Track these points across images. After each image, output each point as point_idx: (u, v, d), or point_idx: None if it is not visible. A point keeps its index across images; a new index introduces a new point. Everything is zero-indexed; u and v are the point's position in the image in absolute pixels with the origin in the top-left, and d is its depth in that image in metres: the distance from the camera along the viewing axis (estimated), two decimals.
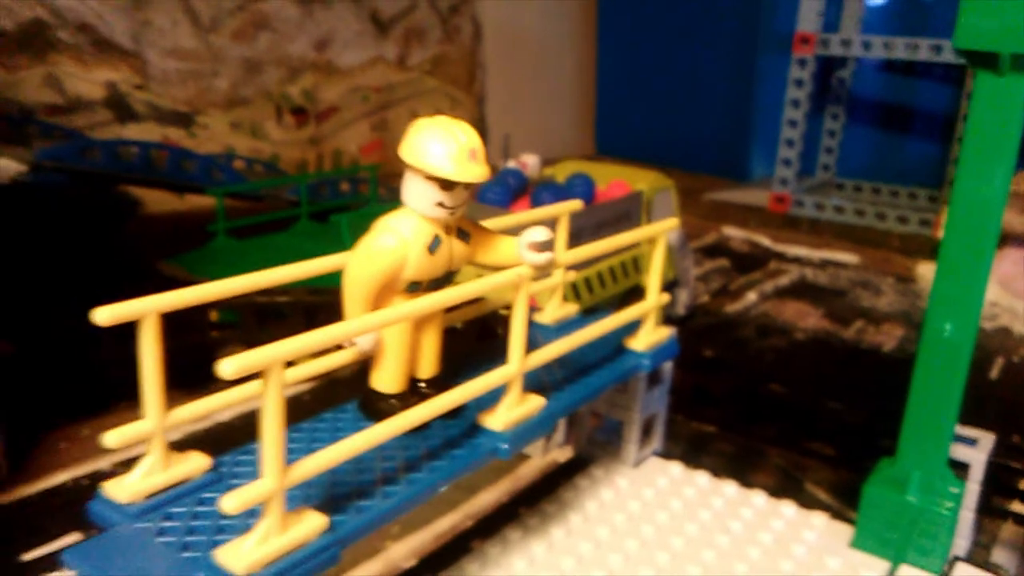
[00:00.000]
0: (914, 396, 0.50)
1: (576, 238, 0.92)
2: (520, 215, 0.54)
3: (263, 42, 1.75)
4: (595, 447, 0.63)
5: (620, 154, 2.51)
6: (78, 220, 1.03)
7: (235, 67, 1.72)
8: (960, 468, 0.65)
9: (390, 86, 2.02)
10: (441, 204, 0.39)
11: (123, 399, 0.85)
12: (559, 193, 0.98)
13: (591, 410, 0.64)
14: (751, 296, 1.32)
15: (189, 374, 0.58)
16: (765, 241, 1.61)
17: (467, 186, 0.40)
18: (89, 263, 1.00)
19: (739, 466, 0.82)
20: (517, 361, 0.43)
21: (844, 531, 0.54)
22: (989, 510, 0.73)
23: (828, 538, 0.54)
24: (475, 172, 0.39)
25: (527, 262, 0.42)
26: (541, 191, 0.98)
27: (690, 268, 1.19)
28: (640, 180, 1.10)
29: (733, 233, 1.66)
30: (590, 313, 0.61)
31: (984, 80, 0.45)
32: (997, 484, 0.75)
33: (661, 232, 0.54)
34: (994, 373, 1.07)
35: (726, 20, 2.20)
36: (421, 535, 0.69)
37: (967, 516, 0.65)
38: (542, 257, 0.42)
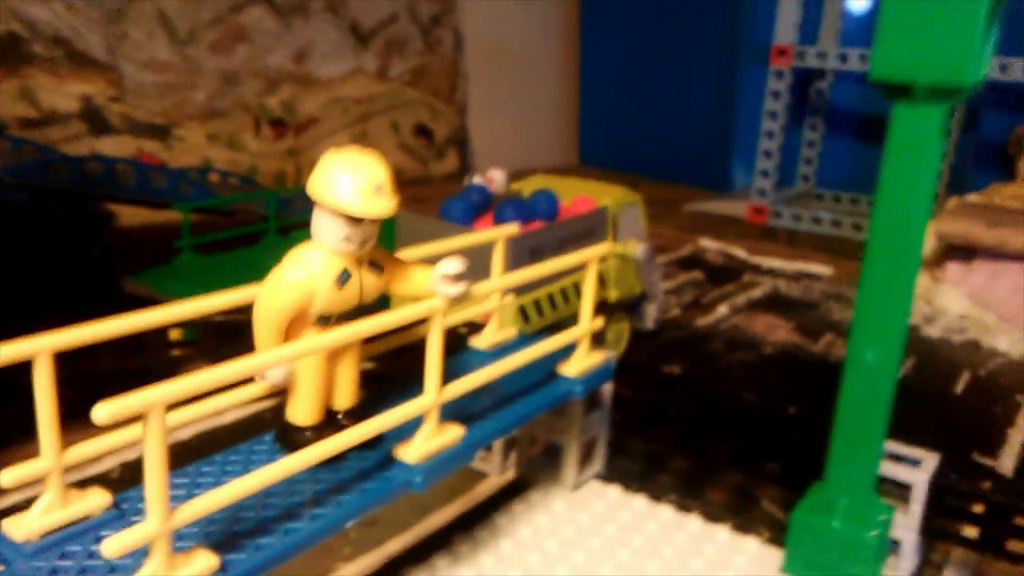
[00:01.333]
0: (839, 423, 0.51)
1: (538, 255, 0.92)
2: (456, 239, 0.54)
3: (241, 54, 1.76)
4: (536, 470, 0.63)
5: (603, 164, 2.52)
6: (41, 237, 1.03)
7: (212, 79, 1.72)
8: (905, 489, 0.65)
9: (370, 97, 2.02)
10: (349, 238, 0.39)
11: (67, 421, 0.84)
12: (522, 209, 0.98)
13: (530, 434, 0.64)
14: (722, 309, 1.32)
15: None
16: (741, 253, 1.61)
17: (375, 220, 0.40)
18: (53, 281, 1.00)
19: (696, 483, 0.81)
20: (432, 393, 0.43)
21: (776, 556, 0.54)
22: (942, 532, 0.73)
23: (759, 563, 0.54)
24: (381, 207, 0.39)
25: (440, 294, 0.42)
26: (504, 207, 0.98)
27: (658, 282, 1.19)
28: (606, 195, 1.10)
29: (709, 245, 1.66)
30: (530, 337, 0.61)
31: (900, 111, 0.45)
32: (949, 505, 0.75)
33: (592, 258, 0.54)
34: (959, 387, 1.07)
35: (707, 31, 2.20)
36: (371, 557, 0.69)
37: (910, 538, 0.65)
38: (455, 289, 0.42)
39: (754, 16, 2.12)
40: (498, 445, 0.70)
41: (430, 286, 0.43)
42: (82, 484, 0.39)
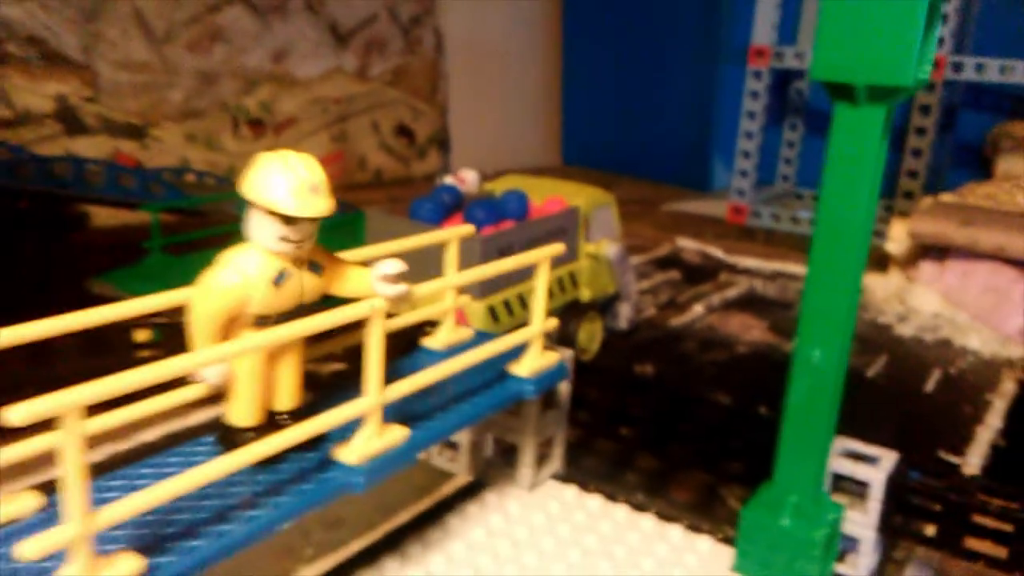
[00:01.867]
0: (787, 422, 0.51)
1: (508, 255, 0.92)
2: (405, 240, 0.54)
3: (219, 54, 1.75)
4: (494, 470, 0.63)
5: (586, 164, 2.52)
6: (9, 237, 1.02)
7: (190, 79, 1.72)
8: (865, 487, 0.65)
9: (350, 97, 2.01)
10: (285, 239, 0.39)
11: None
12: (492, 210, 0.98)
13: (487, 434, 0.64)
14: (698, 309, 1.33)
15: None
16: (718, 253, 1.62)
17: (312, 220, 0.40)
18: (17, 281, 0.99)
19: (662, 483, 0.82)
20: (374, 394, 0.43)
21: (728, 555, 0.54)
22: (902, 530, 0.73)
23: (710, 562, 0.54)
24: (317, 207, 0.39)
25: (380, 294, 0.42)
26: (474, 208, 0.98)
27: (632, 282, 1.19)
28: (578, 196, 1.10)
29: (687, 244, 1.66)
30: (486, 337, 0.61)
31: (842, 110, 0.45)
32: (910, 503, 0.75)
33: (544, 258, 0.54)
34: (930, 386, 1.08)
35: (688, 32, 2.21)
36: (334, 558, 0.68)
37: (868, 536, 0.65)
38: (394, 289, 0.42)
39: (734, 17, 2.13)
40: (465, 445, 0.70)
41: (370, 286, 0.43)
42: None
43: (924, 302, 1.32)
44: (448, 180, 1.06)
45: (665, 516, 0.58)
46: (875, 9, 0.42)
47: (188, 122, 1.72)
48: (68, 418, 0.30)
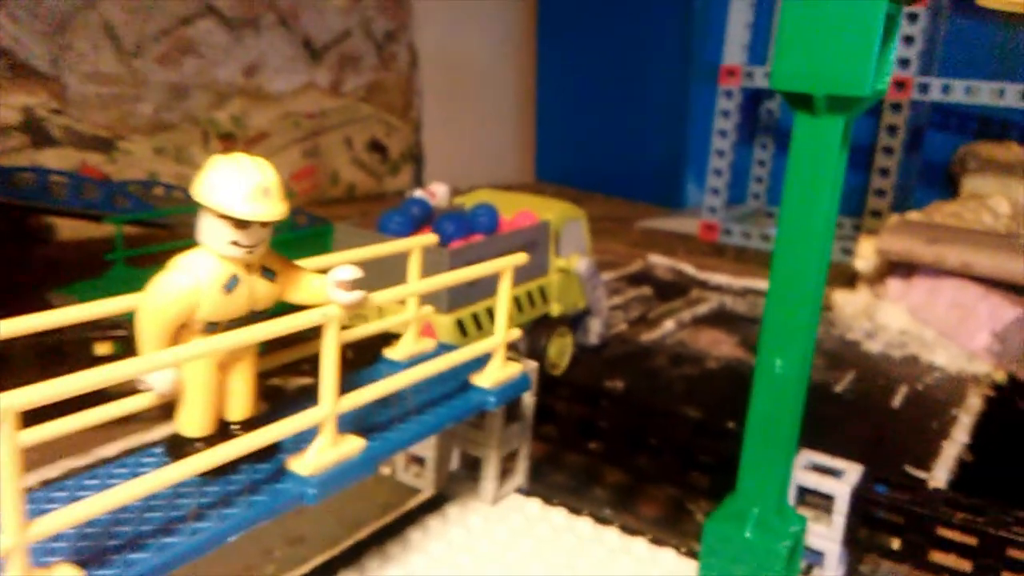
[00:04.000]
0: (750, 433, 0.50)
1: None
2: (368, 248, 0.54)
3: (189, 67, 1.74)
4: (457, 484, 0.62)
5: (559, 181, 2.53)
6: None
7: (160, 92, 1.70)
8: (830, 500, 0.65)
9: (323, 112, 2.01)
10: (236, 243, 0.38)
11: None
12: (462, 223, 0.98)
13: (450, 447, 0.63)
14: (668, 324, 1.33)
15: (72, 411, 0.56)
16: (689, 269, 1.62)
17: (264, 224, 0.39)
18: None
19: (630, 496, 0.81)
20: (329, 403, 0.42)
21: (692, 568, 0.54)
22: (867, 543, 0.73)
23: (674, 575, 0.53)
24: (269, 211, 0.38)
25: (335, 301, 0.41)
26: (444, 221, 0.98)
27: (602, 297, 1.19)
28: (549, 210, 1.10)
29: (658, 261, 1.67)
30: (448, 348, 0.60)
31: (802, 120, 0.45)
32: (875, 516, 0.75)
33: (506, 268, 0.53)
34: (896, 402, 1.08)
35: (661, 51, 2.23)
36: (295, 574, 0.67)
37: (833, 549, 0.65)
38: (350, 296, 0.41)
39: (705, 37, 2.15)
40: (431, 460, 0.69)
41: (325, 294, 0.42)
42: None
43: (892, 318, 1.33)
44: (418, 193, 1.06)
45: (629, 530, 0.57)
46: (833, 20, 0.42)
47: (157, 135, 1.71)
48: (2, 424, 0.29)
